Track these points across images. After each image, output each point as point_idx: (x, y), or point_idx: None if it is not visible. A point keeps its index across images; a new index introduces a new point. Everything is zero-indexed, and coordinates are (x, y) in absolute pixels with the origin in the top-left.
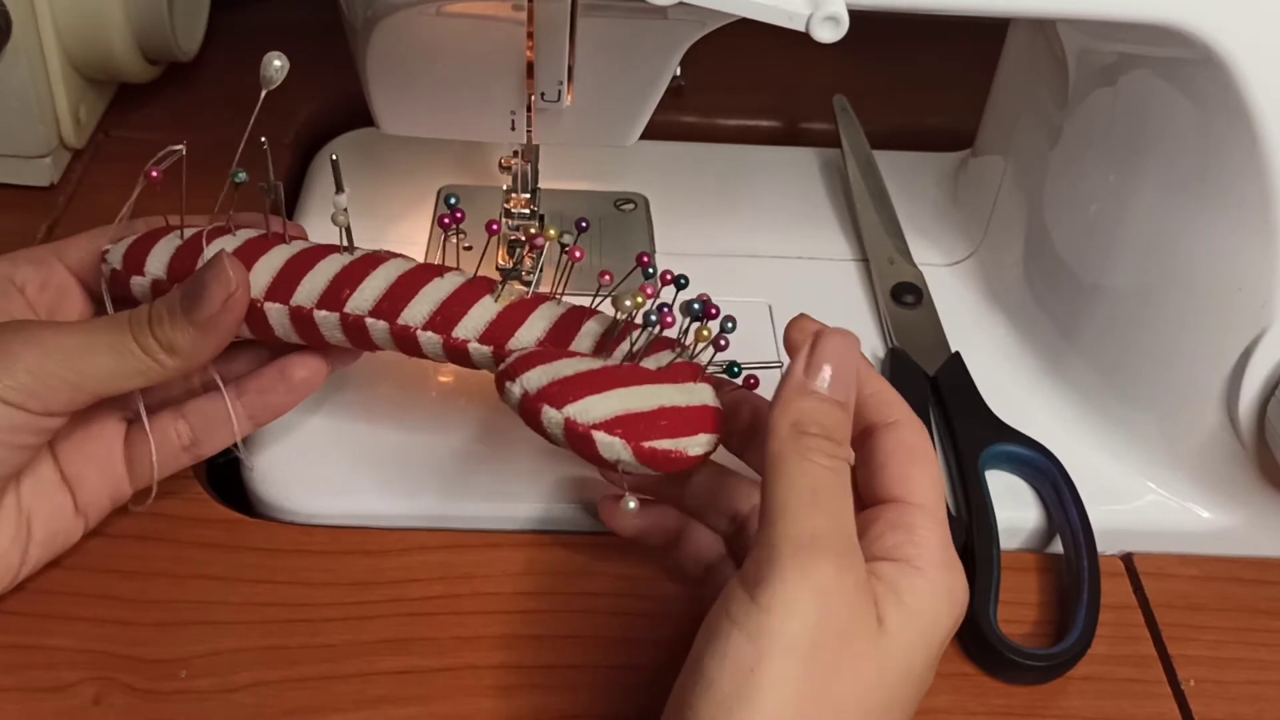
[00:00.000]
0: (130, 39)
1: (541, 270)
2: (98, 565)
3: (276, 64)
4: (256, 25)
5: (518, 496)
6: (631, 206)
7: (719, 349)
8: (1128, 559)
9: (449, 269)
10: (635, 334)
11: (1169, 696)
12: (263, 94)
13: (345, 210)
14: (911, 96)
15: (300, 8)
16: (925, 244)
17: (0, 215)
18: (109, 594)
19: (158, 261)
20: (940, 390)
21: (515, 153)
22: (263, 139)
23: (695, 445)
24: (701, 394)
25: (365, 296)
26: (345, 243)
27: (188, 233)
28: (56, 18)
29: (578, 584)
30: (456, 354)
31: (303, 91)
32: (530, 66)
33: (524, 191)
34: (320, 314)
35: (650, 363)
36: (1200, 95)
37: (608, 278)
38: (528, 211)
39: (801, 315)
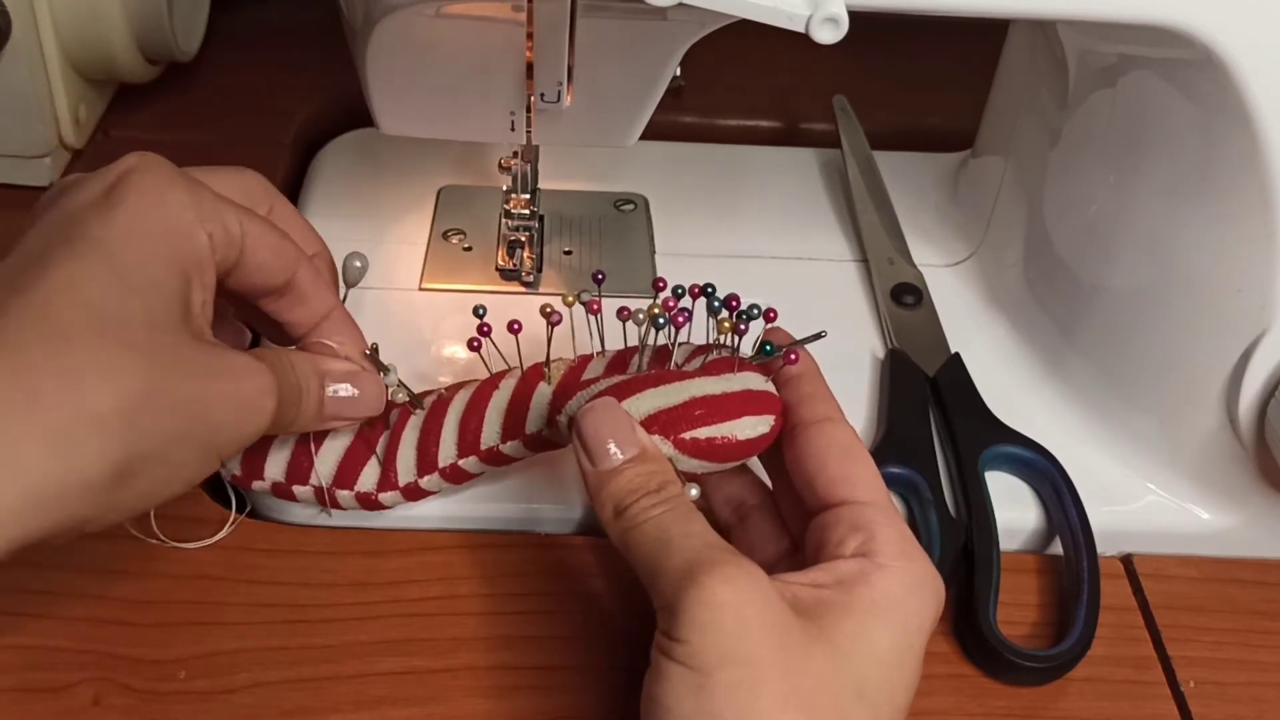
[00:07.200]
0: (130, 39)
1: (541, 272)
2: (98, 565)
3: (357, 265)
4: (256, 25)
5: (516, 497)
6: (631, 207)
7: (740, 334)
8: (1127, 560)
9: (503, 374)
10: (653, 340)
11: (1169, 698)
12: (345, 294)
13: (401, 383)
14: (911, 96)
15: (300, 8)
16: (925, 244)
17: (0, 215)
18: (109, 594)
19: (276, 466)
20: (940, 391)
21: (515, 153)
22: (373, 345)
23: (742, 429)
24: (743, 380)
25: (448, 445)
26: (411, 401)
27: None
28: (56, 18)
29: (576, 585)
30: (537, 445)
31: (303, 91)
32: (530, 67)
33: (523, 192)
34: (425, 480)
35: (688, 369)
36: (1200, 96)
37: (625, 313)
38: (527, 212)
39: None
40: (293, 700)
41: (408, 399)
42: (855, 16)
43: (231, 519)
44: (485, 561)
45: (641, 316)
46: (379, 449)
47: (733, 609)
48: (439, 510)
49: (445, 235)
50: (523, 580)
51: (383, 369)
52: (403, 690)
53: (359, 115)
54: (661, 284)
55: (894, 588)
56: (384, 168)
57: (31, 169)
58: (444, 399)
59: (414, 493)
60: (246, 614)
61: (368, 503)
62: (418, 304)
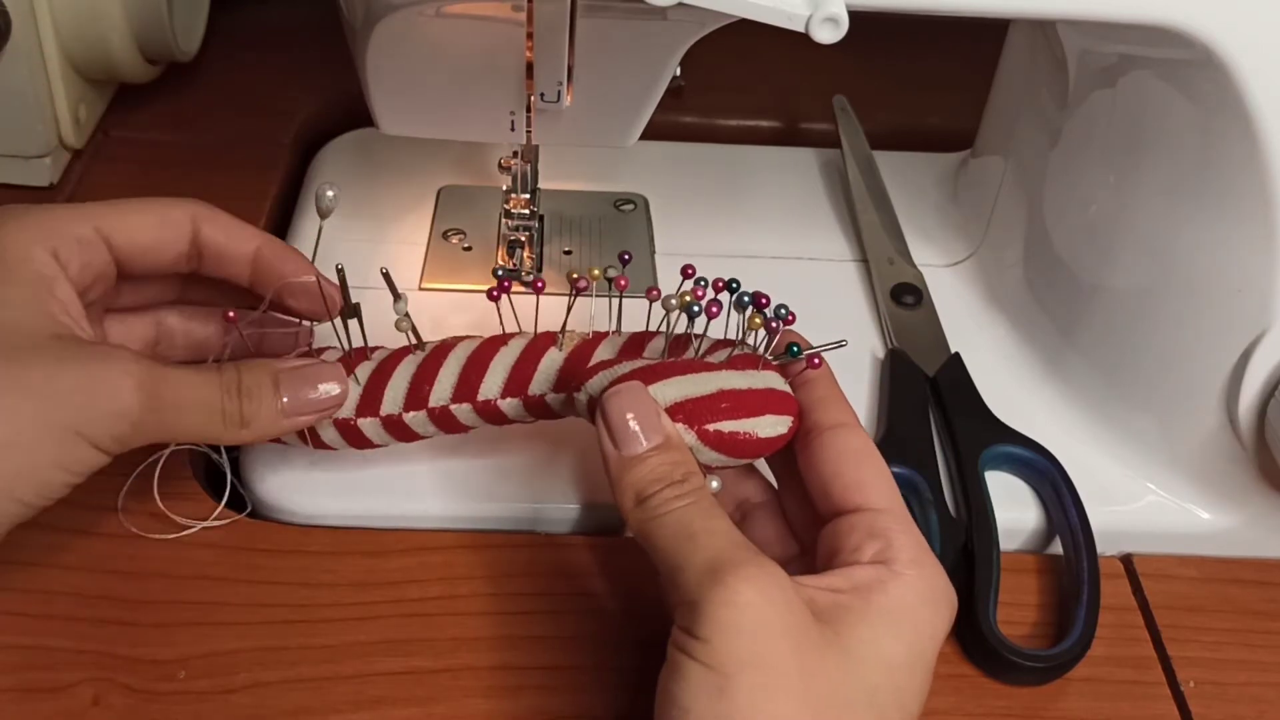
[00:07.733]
0: (130, 39)
1: (541, 272)
2: (98, 565)
3: (329, 194)
4: (256, 25)
5: (516, 496)
6: (631, 207)
7: (771, 332)
8: (1127, 560)
9: (512, 335)
10: (674, 325)
11: (1168, 698)
12: (320, 225)
13: (407, 315)
14: (911, 96)
15: (300, 8)
16: (925, 244)
17: None
18: (109, 594)
19: None
20: (940, 391)
21: (515, 153)
22: (384, 268)
23: (764, 426)
24: (766, 379)
25: (444, 386)
26: (414, 340)
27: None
28: (56, 18)
29: (577, 585)
30: (538, 409)
31: (303, 91)
32: (530, 67)
33: (523, 192)
34: (409, 415)
35: (711, 360)
36: (1200, 96)
37: (656, 293)
38: (527, 212)
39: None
40: (293, 700)
41: (412, 337)
42: (855, 16)
43: (217, 511)
44: (485, 561)
45: (673, 302)
46: (359, 374)
47: (755, 610)
48: (439, 510)
49: (445, 235)
50: (523, 580)
51: (395, 295)
52: (403, 690)
53: (359, 115)
54: (691, 270)
55: (908, 596)
56: (384, 168)
57: (31, 169)
58: (447, 344)
59: (396, 427)
60: (246, 614)
61: (349, 432)
62: (418, 304)
